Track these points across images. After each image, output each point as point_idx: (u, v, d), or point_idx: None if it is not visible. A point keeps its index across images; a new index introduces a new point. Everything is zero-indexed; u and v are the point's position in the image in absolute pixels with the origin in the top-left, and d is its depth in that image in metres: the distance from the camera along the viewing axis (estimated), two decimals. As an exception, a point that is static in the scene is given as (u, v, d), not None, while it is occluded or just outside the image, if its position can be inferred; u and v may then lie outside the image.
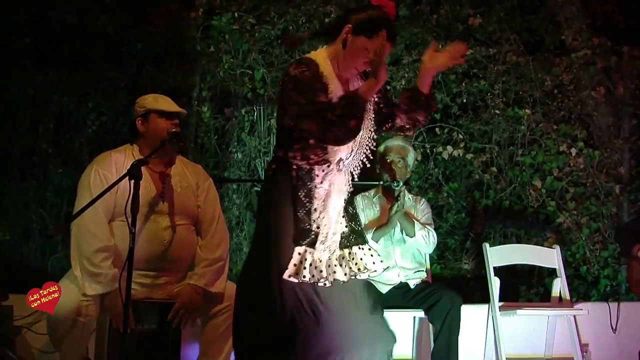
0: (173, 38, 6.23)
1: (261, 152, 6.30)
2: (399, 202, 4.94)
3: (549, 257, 5.55)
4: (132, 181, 3.48)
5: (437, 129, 6.60)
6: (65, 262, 4.81)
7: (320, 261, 3.05)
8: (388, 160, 5.05)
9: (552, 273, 5.73)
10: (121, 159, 3.97)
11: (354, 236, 3.22)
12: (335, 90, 3.11)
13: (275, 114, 6.17)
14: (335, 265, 3.09)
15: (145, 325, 3.86)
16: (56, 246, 5.92)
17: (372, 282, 4.01)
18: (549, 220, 6.56)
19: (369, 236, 4.66)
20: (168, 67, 6.24)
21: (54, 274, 5.62)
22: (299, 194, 3.08)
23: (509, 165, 6.59)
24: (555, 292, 5.48)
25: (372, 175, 4.78)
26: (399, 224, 5.00)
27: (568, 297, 5.42)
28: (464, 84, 6.60)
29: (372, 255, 3.20)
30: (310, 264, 3.02)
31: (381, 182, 5.10)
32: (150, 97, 4.10)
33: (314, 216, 3.09)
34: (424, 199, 5.33)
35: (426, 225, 5.07)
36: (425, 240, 5.01)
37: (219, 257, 4.06)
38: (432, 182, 6.62)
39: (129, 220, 3.42)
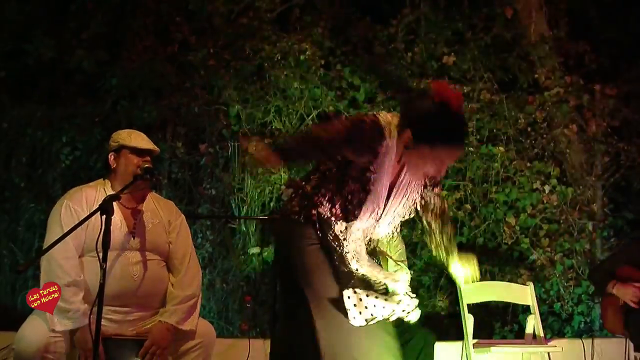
0: (148, 73, 6.24)
1: (235, 189, 6.28)
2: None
3: (522, 294, 5.54)
4: (104, 216, 3.46)
5: (411, 166, 6.61)
6: (36, 298, 4.75)
7: None
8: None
9: (526, 310, 5.72)
10: (93, 194, 3.93)
11: None
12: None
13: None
14: None
15: (116, 362, 3.82)
16: (26, 282, 5.86)
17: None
18: (522, 257, 6.58)
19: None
20: (143, 103, 6.24)
21: (24, 309, 5.53)
22: None
23: (482, 203, 6.61)
24: (529, 329, 5.46)
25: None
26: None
27: (542, 334, 5.41)
28: (437, 121, 6.63)
29: None
30: None
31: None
32: (124, 133, 4.08)
33: None
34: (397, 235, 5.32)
35: (399, 263, 5.04)
36: (398, 278, 4.99)
37: (191, 294, 4.01)
38: (405, 219, 6.60)
39: (100, 255, 3.39)
